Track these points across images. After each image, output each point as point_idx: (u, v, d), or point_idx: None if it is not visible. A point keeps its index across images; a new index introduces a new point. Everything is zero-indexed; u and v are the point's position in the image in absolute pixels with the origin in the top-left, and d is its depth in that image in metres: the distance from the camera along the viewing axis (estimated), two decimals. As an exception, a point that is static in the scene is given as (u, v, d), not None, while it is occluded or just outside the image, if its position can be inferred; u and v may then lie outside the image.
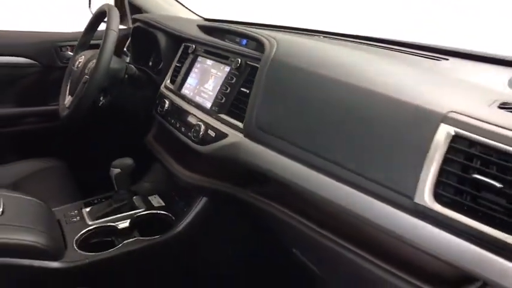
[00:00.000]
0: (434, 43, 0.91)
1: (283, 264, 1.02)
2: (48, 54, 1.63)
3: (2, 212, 0.89)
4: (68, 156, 1.48)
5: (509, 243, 0.45)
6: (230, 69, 0.95)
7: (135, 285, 1.01)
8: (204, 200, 1.03)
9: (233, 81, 0.93)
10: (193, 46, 1.15)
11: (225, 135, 0.86)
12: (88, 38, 1.40)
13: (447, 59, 0.84)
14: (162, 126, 1.17)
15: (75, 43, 1.50)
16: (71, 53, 1.67)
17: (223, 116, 0.91)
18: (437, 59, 0.83)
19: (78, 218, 1.08)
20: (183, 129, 1.02)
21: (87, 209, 1.11)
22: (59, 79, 1.47)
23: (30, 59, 1.61)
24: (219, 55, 1.04)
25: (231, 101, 0.91)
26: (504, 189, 0.47)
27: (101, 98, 1.24)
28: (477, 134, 0.50)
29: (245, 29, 1.04)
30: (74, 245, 0.97)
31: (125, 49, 1.69)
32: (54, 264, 0.89)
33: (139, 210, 1.12)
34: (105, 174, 1.14)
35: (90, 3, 1.77)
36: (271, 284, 1.07)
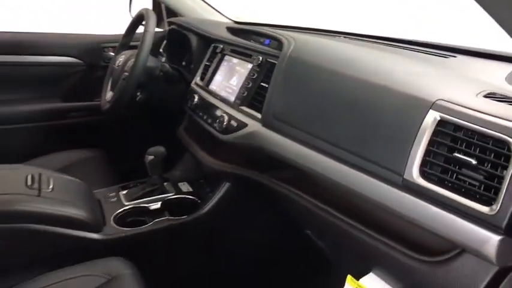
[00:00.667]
0: (444, 42, 0.96)
1: (296, 246, 1.09)
2: (92, 55, 1.79)
3: (52, 188, 1.03)
4: (107, 147, 1.62)
5: (485, 214, 0.51)
6: (252, 66, 1.04)
7: (163, 258, 1.11)
8: (227, 185, 1.13)
9: (254, 76, 1.02)
10: (221, 46, 1.25)
11: (245, 125, 0.96)
12: (128, 39, 1.53)
13: (455, 56, 0.89)
14: (191, 118, 1.28)
15: (117, 44, 1.66)
16: (113, 53, 1.82)
17: (244, 108, 1.01)
18: (446, 56, 0.89)
19: (115, 199, 1.21)
20: (209, 120, 1.12)
21: (124, 192, 1.24)
22: (101, 77, 1.62)
23: (77, 58, 1.76)
24: (243, 54, 1.13)
25: (252, 95, 1.01)
26: (481, 166, 0.53)
27: (138, 94, 1.36)
28: (461, 119, 0.56)
29: (268, 30, 1.13)
30: (112, 221, 1.10)
31: (161, 50, 1.82)
32: (95, 236, 1.02)
33: (170, 194, 1.23)
34: (139, 163, 1.27)
35: (130, 8, 1.92)
36: (285, 263, 1.15)
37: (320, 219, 0.79)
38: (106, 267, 0.92)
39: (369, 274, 0.68)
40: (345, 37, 1.18)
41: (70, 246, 0.99)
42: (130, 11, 1.89)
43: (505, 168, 0.50)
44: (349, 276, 0.70)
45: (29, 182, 1.01)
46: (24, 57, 1.66)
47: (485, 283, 0.52)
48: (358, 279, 0.68)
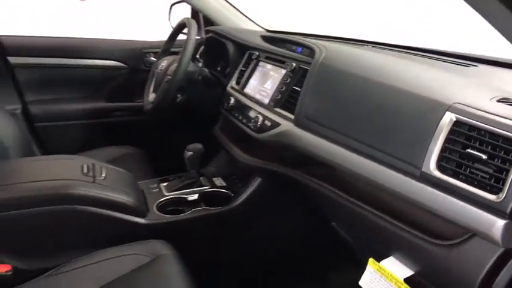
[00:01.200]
0: (466, 52, 1.03)
1: (323, 238, 1.17)
2: (135, 59, 1.93)
3: (104, 177, 1.15)
4: (146, 144, 1.75)
5: (493, 201, 0.59)
6: (286, 72, 1.14)
7: (199, 243, 1.22)
8: (259, 180, 1.23)
9: (288, 81, 1.12)
10: (257, 53, 1.36)
11: (278, 124, 1.05)
12: (170, 45, 1.66)
13: (476, 66, 0.96)
14: (227, 119, 1.39)
15: (158, 50, 1.79)
16: (154, 58, 1.96)
17: (277, 109, 1.10)
18: (468, 65, 0.96)
19: (157, 190, 1.33)
20: (244, 120, 1.23)
21: (164, 184, 1.36)
22: (143, 80, 1.75)
23: (121, 62, 1.92)
24: (277, 60, 1.23)
25: (285, 98, 1.10)
26: (491, 161, 0.60)
27: (179, 96, 1.48)
28: (474, 120, 0.64)
29: (300, 39, 1.23)
30: (155, 208, 1.21)
31: (197, 56, 1.95)
32: (140, 220, 1.14)
33: (205, 187, 1.34)
34: (176, 159, 1.38)
35: (169, 17, 2.06)
36: (313, 255, 1.23)
37: (347, 210, 0.88)
38: (150, 248, 1.03)
39: (388, 258, 0.76)
40: (373, 46, 1.26)
41: (118, 228, 1.11)
42: (169, 19, 2.03)
43: (506, 162, 0.58)
44: (370, 259, 0.78)
45: (85, 170, 1.14)
46: (76, 61, 1.83)
47: (491, 262, 0.59)
48: (378, 262, 0.76)
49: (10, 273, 1.02)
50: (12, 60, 1.76)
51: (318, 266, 1.29)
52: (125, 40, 2.02)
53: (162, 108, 1.44)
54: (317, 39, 1.28)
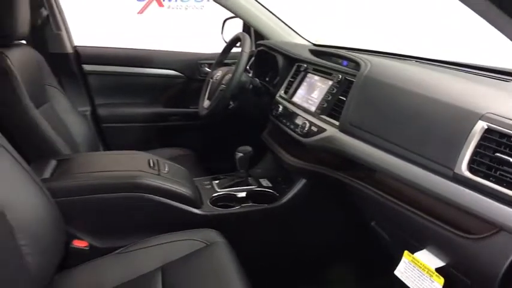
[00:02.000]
0: (505, 67, 1.09)
1: (362, 236, 1.26)
2: (191, 69, 2.12)
3: (167, 171, 1.31)
4: (200, 147, 1.92)
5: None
6: (332, 83, 1.25)
7: (247, 235, 1.34)
8: (303, 181, 1.34)
9: (334, 91, 1.22)
10: (305, 65, 1.48)
11: (324, 130, 1.16)
12: (224, 57, 1.82)
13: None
14: (275, 125, 1.51)
15: (212, 61, 1.95)
16: (208, 69, 2.13)
17: (323, 116, 1.21)
18: (507, 80, 1.02)
19: (209, 186, 1.47)
20: (292, 126, 1.34)
21: (216, 181, 1.50)
22: (197, 88, 1.92)
23: (179, 72, 2.11)
24: (324, 72, 1.34)
25: (331, 106, 1.21)
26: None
27: (231, 103, 1.63)
28: (504, 128, 0.72)
29: (346, 53, 1.34)
30: (208, 202, 1.35)
31: (248, 67, 2.10)
32: (195, 211, 1.28)
33: (253, 187, 1.46)
34: (227, 161, 1.52)
35: (222, 31, 2.23)
36: (352, 253, 1.31)
37: (386, 209, 0.96)
38: (204, 235, 1.16)
39: (422, 250, 0.84)
40: (416, 61, 1.34)
41: (177, 216, 1.26)
42: (222, 33, 2.19)
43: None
44: (406, 252, 0.86)
45: (151, 164, 1.31)
46: (140, 69, 2.04)
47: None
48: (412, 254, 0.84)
49: (87, 248, 1.19)
50: (86, 67, 2.00)
51: (351, 264, 1.37)
52: (183, 52, 2.22)
53: (216, 114, 1.59)
54: (361, 53, 1.38)
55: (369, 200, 1.03)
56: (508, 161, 0.69)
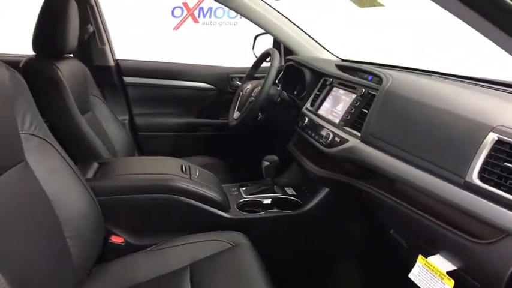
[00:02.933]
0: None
1: (381, 244, 1.30)
2: (223, 82, 2.24)
3: (198, 176, 1.41)
4: (229, 156, 2.01)
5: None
6: (356, 96, 1.31)
7: (271, 239, 1.41)
8: (326, 190, 1.40)
9: (357, 104, 1.28)
10: (331, 80, 1.55)
11: (346, 141, 1.22)
12: (254, 71, 1.92)
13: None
14: (300, 136, 1.58)
15: (242, 75, 2.06)
16: (239, 82, 2.24)
17: (346, 128, 1.27)
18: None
19: (237, 192, 1.55)
20: (316, 137, 1.41)
21: (243, 188, 1.58)
22: (228, 100, 2.02)
23: (210, 84, 2.23)
24: (349, 86, 1.41)
25: (354, 118, 1.27)
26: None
27: (260, 115, 1.71)
28: (513, 139, 0.76)
29: (371, 68, 1.40)
30: (235, 207, 1.44)
31: (276, 81, 2.18)
32: (223, 214, 1.37)
33: (278, 194, 1.54)
34: (254, 169, 1.60)
35: (253, 47, 2.33)
36: (371, 261, 1.35)
37: (403, 217, 1.01)
38: (230, 237, 1.24)
39: (435, 255, 0.88)
40: (437, 76, 1.38)
41: (206, 218, 1.35)
42: (253, 48, 2.29)
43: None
44: (420, 256, 0.90)
45: (183, 169, 1.41)
46: (175, 82, 2.18)
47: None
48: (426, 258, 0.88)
49: (123, 244, 1.30)
50: (126, 79, 2.15)
51: (369, 270, 1.41)
52: (215, 66, 2.34)
53: (245, 124, 1.68)
54: (385, 68, 1.44)
55: (387, 208, 1.08)
56: (514, 170, 0.74)
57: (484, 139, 0.80)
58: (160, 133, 2.16)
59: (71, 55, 1.76)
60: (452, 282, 0.80)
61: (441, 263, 0.85)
